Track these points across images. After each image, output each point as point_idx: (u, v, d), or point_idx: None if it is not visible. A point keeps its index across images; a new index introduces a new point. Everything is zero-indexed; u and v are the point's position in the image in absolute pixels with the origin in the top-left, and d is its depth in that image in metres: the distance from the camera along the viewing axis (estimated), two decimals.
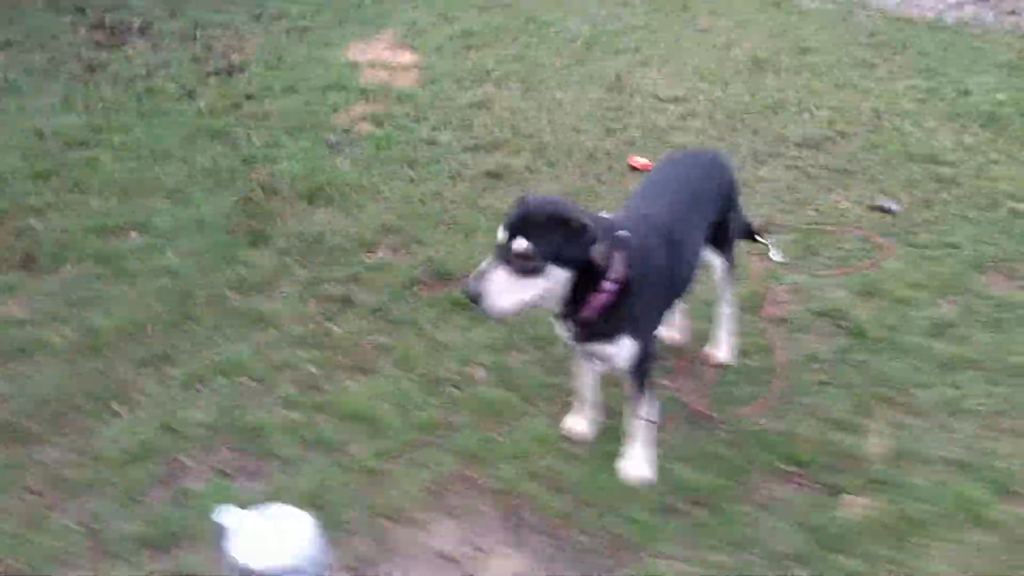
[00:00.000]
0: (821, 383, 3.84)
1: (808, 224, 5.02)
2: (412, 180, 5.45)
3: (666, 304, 3.24)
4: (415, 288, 4.43)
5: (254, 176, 5.38)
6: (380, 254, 4.72)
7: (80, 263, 4.53)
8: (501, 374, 3.85)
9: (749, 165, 5.65)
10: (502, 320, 2.80)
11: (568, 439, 3.51)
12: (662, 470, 3.35)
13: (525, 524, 3.14)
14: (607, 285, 2.88)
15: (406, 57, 7.35)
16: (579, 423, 3.54)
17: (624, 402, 3.36)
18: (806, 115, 6.39)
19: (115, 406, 3.59)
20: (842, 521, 3.15)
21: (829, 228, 4.97)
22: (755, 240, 4.17)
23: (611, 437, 3.51)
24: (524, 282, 2.77)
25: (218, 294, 4.32)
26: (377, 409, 3.62)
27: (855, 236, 4.92)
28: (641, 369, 3.15)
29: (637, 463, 3.32)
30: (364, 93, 6.61)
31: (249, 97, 6.48)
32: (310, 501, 3.12)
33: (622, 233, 2.87)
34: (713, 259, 3.67)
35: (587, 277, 2.84)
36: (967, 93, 6.75)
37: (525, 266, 2.74)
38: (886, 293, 4.42)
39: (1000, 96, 6.66)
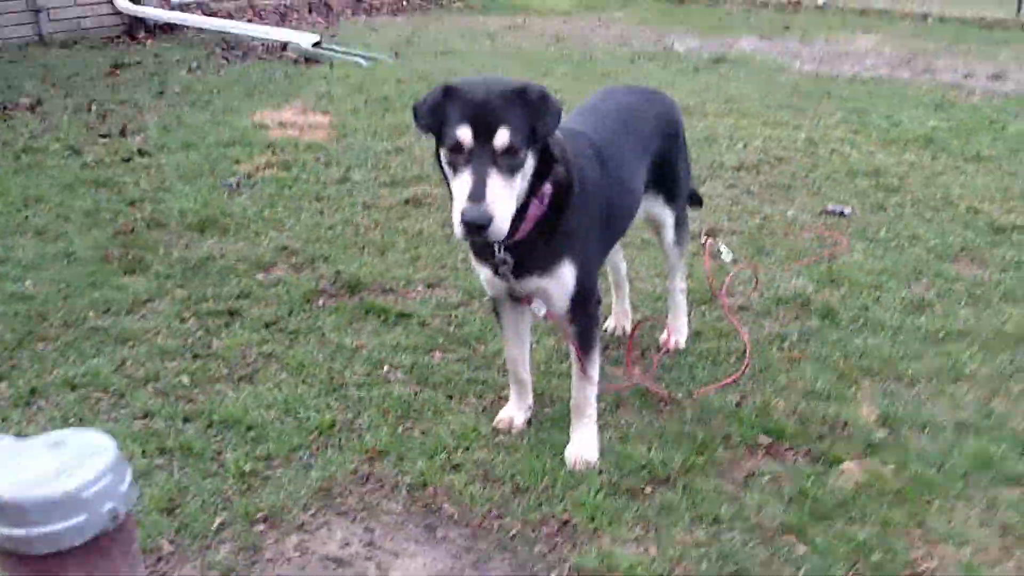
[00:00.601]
0: (792, 360, 3.28)
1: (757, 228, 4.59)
2: (321, 212, 4.88)
3: (603, 233, 2.66)
4: (318, 301, 3.79)
5: (138, 212, 4.76)
6: (278, 272, 4.09)
7: None
8: (421, 373, 3.20)
9: None
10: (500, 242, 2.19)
11: (500, 432, 2.84)
12: (616, 452, 2.70)
13: (444, 518, 2.43)
14: (545, 188, 2.33)
15: (317, 118, 6.93)
16: (515, 414, 2.88)
17: (565, 383, 2.74)
18: (739, 145, 6.08)
19: None
20: (839, 489, 2.53)
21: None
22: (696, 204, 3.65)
23: (546, 425, 2.87)
24: (512, 183, 2.18)
25: (78, 316, 3.62)
26: (260, 415, 2.91)
27: (807, 235, 4.49)
28: (584, 313, 2.55)
29: (586, 445, 2.66)
30: (270, 147, 6.09)
31: (142, 153, 5.90)
32: (164, 508, 2.39)
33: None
34: (662, 213, 3.15)
35: (537, 171, 2.30)
36: (899, 124, 6.57)
37: (513, 162, 2.17)
38: (850, 280, 3.95)
39: (933, 123, 6.50)
